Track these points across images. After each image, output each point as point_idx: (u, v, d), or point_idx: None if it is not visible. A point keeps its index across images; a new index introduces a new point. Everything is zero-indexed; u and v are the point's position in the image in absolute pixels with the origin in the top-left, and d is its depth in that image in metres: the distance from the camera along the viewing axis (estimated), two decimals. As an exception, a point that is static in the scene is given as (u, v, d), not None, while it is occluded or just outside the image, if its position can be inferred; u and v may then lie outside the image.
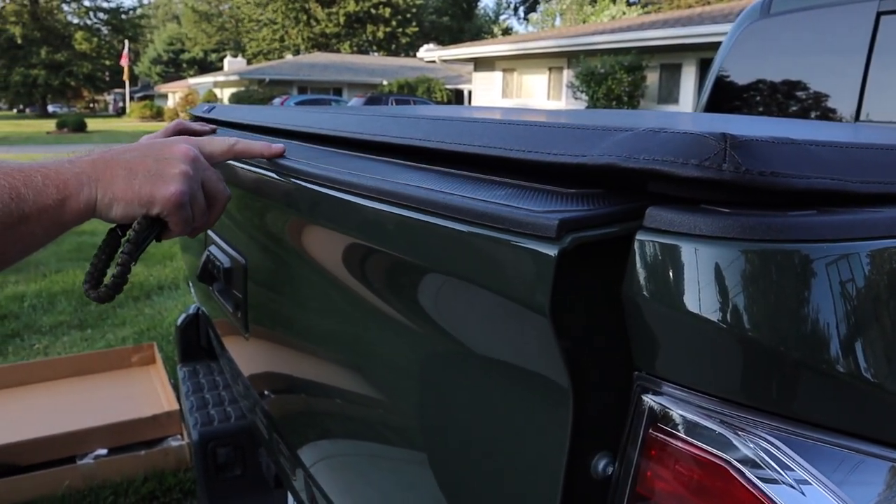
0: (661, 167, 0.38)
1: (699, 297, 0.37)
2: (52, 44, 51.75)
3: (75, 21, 56.00)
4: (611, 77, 14.39)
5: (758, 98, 2.47)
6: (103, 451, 2.63)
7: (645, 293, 0.39)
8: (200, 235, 1.36)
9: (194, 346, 1.80)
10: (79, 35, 53.30)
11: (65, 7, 55.47)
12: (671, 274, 0.38)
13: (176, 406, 2.83)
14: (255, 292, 0.95)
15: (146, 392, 3.11)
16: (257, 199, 0.94)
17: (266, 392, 1.06)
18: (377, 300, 0.64)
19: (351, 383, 0.75)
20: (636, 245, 0.39)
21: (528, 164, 0.49)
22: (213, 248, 1.11)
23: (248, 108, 1.35)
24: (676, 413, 0.39)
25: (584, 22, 37.80)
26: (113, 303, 4.54)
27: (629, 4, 42.97)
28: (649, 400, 0.40)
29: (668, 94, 15.02)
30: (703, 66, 14.05)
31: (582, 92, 15.24)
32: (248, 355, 1.07)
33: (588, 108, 15.23)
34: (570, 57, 17.02)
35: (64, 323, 4.22)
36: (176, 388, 3.04)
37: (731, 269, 0.37)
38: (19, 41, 50.33)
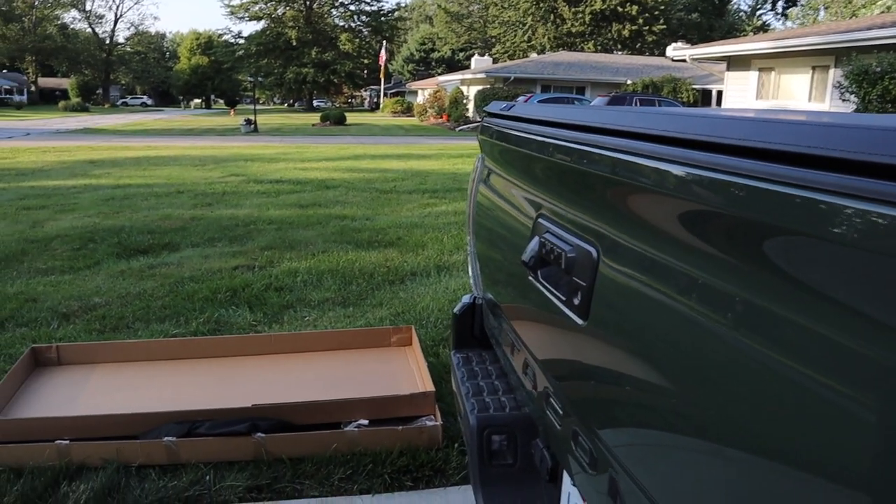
0: None
1: None
2: (321, 45, 57.03)
3: (341, 24, 61.16)
4: (889, 76, 12.85)
5: None
6: (365, 422, 2.84)
7: None
8: (516, 227, 1.42)
9: (468, 333, 1.88)
10: (343, 36, 58.24)
11: (333, 11, 60.73)
12: None
13: (432, 388, 2.98)
14: (604, 280, 0.96)
15: (404, 371, 3.32)
16: (608, 182, 0.95)
17: (582, 383, 1.06)
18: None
19: (710, 375, 0.74)
20: None
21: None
22: (548, 236, 1.14)
23: (550, 107, 1.37)
24: None
25: (853, 15, 34.17)
26: (371, 285, 4.90)
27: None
28: None
29: (961, 95, 13.10)
30: None
31: (851, 93, 13.78)
32: (568, 344, 1.09)
33: (857, 111, 13.75)
34: (839, 54, 15.47)
35: (329, 299, 4.62)
36: (431, 370, 3.21)
37: None
38: (294, 43, 56.06)
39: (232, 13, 59.71)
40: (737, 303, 0.69)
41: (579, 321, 1.01)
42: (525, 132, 1.32)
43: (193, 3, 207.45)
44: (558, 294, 1.08)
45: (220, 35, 68.31)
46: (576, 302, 1.01)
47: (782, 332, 0.63)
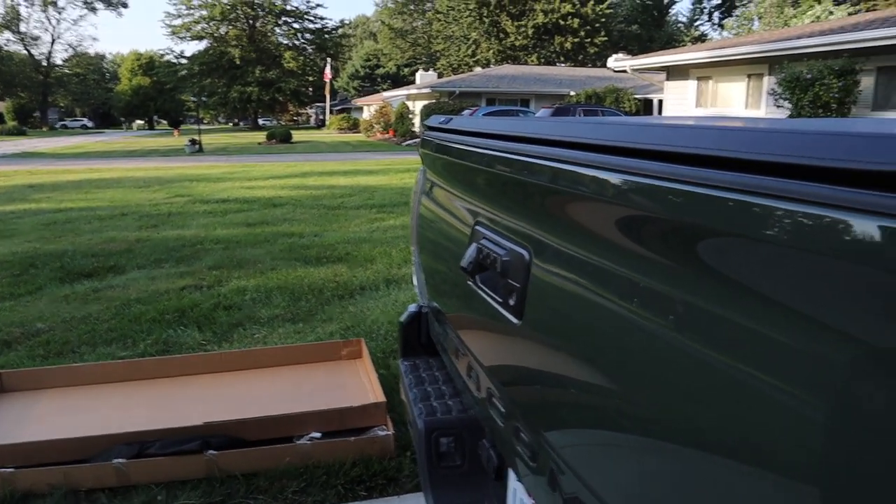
0: None
1: None
2: (265, 63, 56.68)
3: (285, 42, 60.88)
4: (818, 83, 13.37)
5: None
6: (317, 435, 2.85)
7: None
8: (456, 235, 1.46)
9: (415, 341, 1.92)
10: (287, 54, 58.01)
11: (277, 30, 60.45)
12: None
13: (383, 398, 3.01)
14: (536, 280, 1.02)
15: (355, 383, 3.33)
16: (538, 188, 1.01)
17: (521, 382, 1.11)
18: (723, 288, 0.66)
19: (640, 368, 0.78)
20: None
21: (836, 172, 0.50)
22: (485, 242, 1.20)
23: (486, 119, 1.43)
24: None
25: (785, 25, 35.44)
26: (321, 300, 4.90)
27: (837, 3, 39.77)
28: None
29: (886, 99, 13.70)
30: (930, 69, 12.70)
31: (785, 99, 14.30)
32: (506, 345, 1.14)
33: (791, 116, 14.25)
34: (773, 63, 16.04)
35: (279, 316, 4.61)
36: (381, 381, 3.23)
37: None
38: (238, 62, 55.58)
39: (173, 33, 58.97)
40: (661, 300, 0.74)
41: (515, 321, 1.06)
42: (461, 144, 1.38)
43: (134, 24, 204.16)
44: (495, 296, 1.13)
45: (162, 55, 67.24)
46: (511, 303, 1.06)
47: (708, 329, 0.68)
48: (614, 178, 0.81)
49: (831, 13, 34.79)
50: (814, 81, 13.48)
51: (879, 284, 0.48)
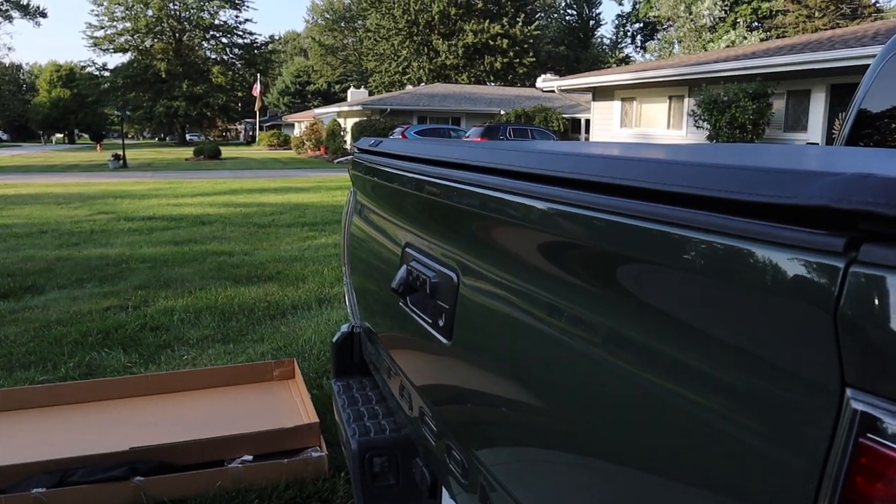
0: (874, 209, 0.44)
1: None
2: (192, 77, 55.57)
3: (213, 56, 59.87)
4: (734, 105, 13.99)
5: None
6: (249, 458, 2.81)
7: (859, 316, 0.45)
8: (387, 256, 1.49)
9: (347, 362, 1.94)
10: (216, 69, 57.02)
11: (205, 44, 59.41)
12: (884, 300, 0.44)
13: (316, 419, 2.99)
14: (464, 301, 1.05)
15: (287, 404, 3.31)
16: (464, 213, 1.05)
17: (451, 401, 1.15)
18: (623, 310, 0.71)
19: (564, 389, 0.83)
20: (851, 275, 0.46)
21: (733, 203, 0.56)
22: (415, 263, 1.23)
23: (415, 143, 1.46)
24: (885, 422, 0.45)
25: (703, 49, 36.93)
26: (252, 320, 4.84)
27: (750, 30, 41.71)
28: (860, 410, 0.46)
29: (796, 121, 14.43)
30: (834, 92, 13.42)
31: (704, 121, 14.90)
32: (436, 364, 1.17)
33: (710, 137, 14.84)
34: (692, 85, 16.70)
35: (209, 337, 4.53)
36: (315, 402, 3.22)
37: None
38: (163, 75, 54.35)
39: (95, 45, 57.24)
40: (583, 322, 0.79)
41: (445, 341, 1.10)
42: (390, 167, 1.41)
43: (52, 35, 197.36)
44: (425, 317, 1.16)
45: (84, 67, 65.18)
46: (440, 323, 1.10)
47: (627, 349, 0.72)
48: (536, 204, 0.86)
49: (745, 38, 36.46)
50: (730, 104, 14.09)
51: (784, 310, 0.53)
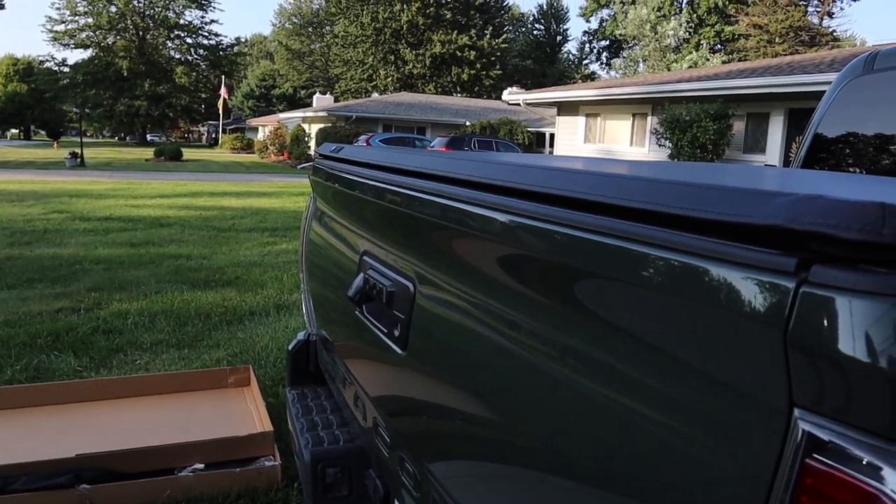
0: (825, 230, 0.45)
1: (855, 343, 0.43)
2: (155, 77, 54.75)
3: (177, 56, 59.11)
4: (696, 125, 14.26)
5: (860, 154, 2.45)
6: (200, 466, 2.76)
7: (808, 337, 0.45)
8: (345, 264, 1.47)
9: (303, 370, 1.91)
10: (179, 69, 56.28)
11: (168, 43, 58.65)
12: (833, 322, 0.44)
13: (270, 428, 2.95)
14: (420, 312, 1.04)
15: (242, 412, 3.25)
16: (422, 222, 1.04)
17: (405, 412, 1.14)
18: (580, 320, 0.70)
19: (519, 402, 0.82)
20: (801, 296, 0.46)
21: (688, 220, 0.56)
22: (371, 272, 1.21)
23: (376, 150, 1.45)
24: (832, 443, 0.45)
25: (667, 68, 37.62)
26: (208, 325, 4.76)
27: (713, 52, 42.66)
28: (807, 430, 0.46)
29: (755, 143, 14.75)
30: (792, 116, 13.76)
31: (666, 139, 15.15)
32: (391, 375, 1.16)
33: (671, 155, 15.09)
34: (655, 104, 16.97)
35: (163, 341, 4.45)
36: (270, 410, 3.17)
37: (886, 321, 0.43)
38: (125, 74, 53.46)
39: (55, 39, 56.03)
40: (539, 336, 0.79)
41: (400, 351, 1.09)
42: (350, 174, 1.40)
43: (9, 27, 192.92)
44: (381, 326, 1.15)
45: (42, 62, 63.74)
46: (396, 333, 1.09)
47: (582, 363, 0.72)
48: (494, 216, 0.85)
49: (707, 59, 37.24)
50: (692, 123, 14.35)
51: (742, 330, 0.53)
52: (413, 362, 1.06)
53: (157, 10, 56.74)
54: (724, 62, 36.14)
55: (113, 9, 54.65)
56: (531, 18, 69.78)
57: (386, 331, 1.13)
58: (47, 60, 63.07)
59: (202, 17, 61.97)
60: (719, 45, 46.37)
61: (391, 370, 1.15)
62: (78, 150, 25.65)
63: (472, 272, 0.93)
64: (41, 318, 4.83)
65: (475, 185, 0.93)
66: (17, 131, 79.60)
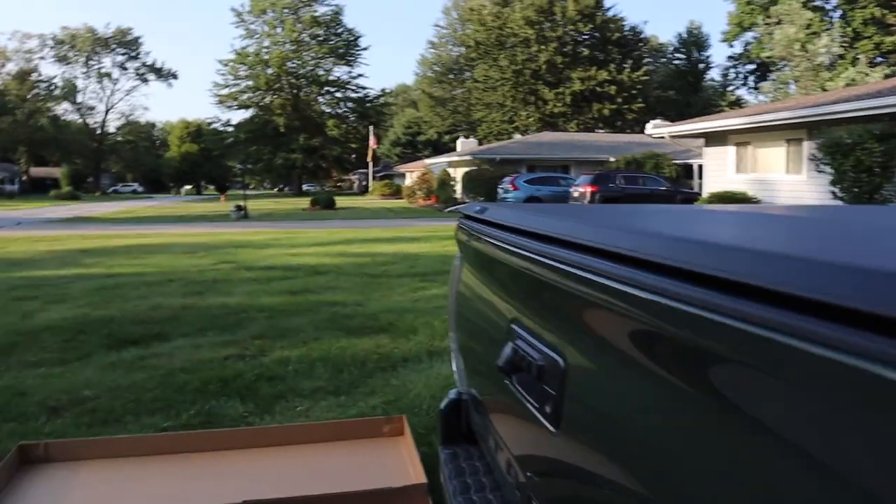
0: None
1: None
2: (309, 131, 58.31)
3: (328, 110, 62.67)
4: (859, 147, 13.26)
5: None
6: (356, 515, 2.83)
7: None
8: (494, 330, 1.47)
9: (455, 429, 1.92)
10: (330, 122, 59.67)
11: (320, 99, 62.31)
12: None
13: (423, 479, 2.98)
14: (573, 391, 1.01)
15: (396, 462, 3.32)
16: (572, 294, 0.99)
17: (556, 494, 1.11)
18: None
19: (677, 497, 0.78)
20: None
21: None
22: (521, 343, 1.20)
23: (523, 213, 1.41)
24: None
25: (822, 88, 35.35)
26: (363, 372, 4.92)
27: (872, 66, 39.61)
28: None
29: (932, 163, 13.50)
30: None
31: (826, 164, 14.19)
32: (543, 452, 1.14)
33: (833, 181, 14.09)
34: (811, 127, 15.99)
35: (322, 388, 4.64)
36: (423, 459, 3.21)
37: None
38: (282, 129, 57.33)
39: (221, 102, 61.21)
40: (697, 425, 0.74)
41: (552, 429, 1.05)
42: (494, 238, 1.40)
43: (183, 94, 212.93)
44: (532, 401, 1.13)
45: (210, 123, 69.69)
46: (547, 410, 1.06)
47: (730, 455, 0.68)
48: (642, 295, 0.78)
49: (867, 74, 34.68)
50: (854, 146, 13.37)
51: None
52: (566, 443, 1.02)
53: (308, 69, 60.59)
54: (886, 76, 33.50)
55: (270, 71, 58.96)
56: (671, 48, 68.20)
57: (537, 406, 1.10)
58: (214, 122, 68.97)
59: (349, 72, 65.43)
60: (880, 58, 43.10)
61: (543, 448, 1.12)
62: (242, 203, 27.60)
63: (624, 353, 0.89)
64: (211, 365, 5.18)
65: (624, 259, 0.87)
66: (191, 187, 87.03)
